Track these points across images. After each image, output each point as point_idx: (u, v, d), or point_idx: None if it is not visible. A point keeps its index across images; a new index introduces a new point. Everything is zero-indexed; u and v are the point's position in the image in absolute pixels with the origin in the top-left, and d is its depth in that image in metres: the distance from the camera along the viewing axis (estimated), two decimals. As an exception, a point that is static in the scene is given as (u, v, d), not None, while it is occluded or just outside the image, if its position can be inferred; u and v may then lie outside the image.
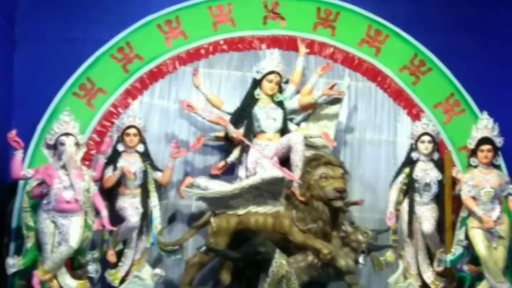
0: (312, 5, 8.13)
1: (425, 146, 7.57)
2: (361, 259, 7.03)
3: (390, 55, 8.12)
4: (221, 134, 7.61)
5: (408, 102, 8.06)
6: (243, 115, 7.52)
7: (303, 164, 7.17)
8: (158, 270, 7.38)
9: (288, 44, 8.04)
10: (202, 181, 7.37)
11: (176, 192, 7.60)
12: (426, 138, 7.57)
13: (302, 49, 7.87)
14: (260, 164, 7.28)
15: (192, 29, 8.00)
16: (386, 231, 7.45)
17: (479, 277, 7.25)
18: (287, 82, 7.74)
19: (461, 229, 7.34)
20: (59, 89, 7.69)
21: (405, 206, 7.56)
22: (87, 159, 7.50)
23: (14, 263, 6.99)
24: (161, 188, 7.55)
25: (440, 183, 7.52)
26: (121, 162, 7.34)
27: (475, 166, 7.38)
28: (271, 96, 7.60)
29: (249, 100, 7.57)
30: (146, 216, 7.33)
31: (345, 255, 7.05)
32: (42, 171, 7.03)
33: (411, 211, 7.49)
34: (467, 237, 7.28)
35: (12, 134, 6.96)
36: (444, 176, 7.51)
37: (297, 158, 7.18)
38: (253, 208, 7.10)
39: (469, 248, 7.30)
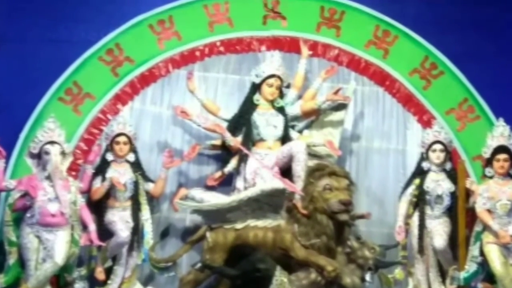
0: (315, 4, 8.18)
1: (437, 155, 7.61)
2: (368, 277, 7.05)
3: (399, 57, 8.18)
4: (218, 142, 7.66)
5: (419, 108, 8.12)
6: (241, 122, 7.57)
7: (305, 175, 7.19)
8: (150, 289, 7.48)
9: (289, 46, 8.09)
10: (197, 192, 7.44)
11: (169, 204, 7.65)
12: (437, 146, 7.61)
13: (305, 51, 7.93)
14: (259, 174, 7.34)
15: (187, 29, 8.05)
16: (395, 247, 7.49)
17: (495, 295, 7.32)
18: (288, 86, 7.78)
19: (475, 244, 7.39)
20: (43, 94, 7.75)
21: (415, 219, 7.59)
22: (74, 169, 7.56)
23: (-5, 281, 7.05)
24: (153, 200, 7.58)
25: (453, 195, 7.56)
26: (110, 173, 7.37)
27: (491, 177, 7.44)
28: (271, 102, 7.65)
29: (248, 106, 7.62)
30: (137, 231, 7.36)
31: (350, 272, 7.07)
32: (26, 182, 7.08)
33: (422, 225, 7.52)
34: (481, 253, 7.34)
35: (-7, 142, 7.07)
36: (457, 188, 7.54)
37: (299, 168, 7.22)
38: (252, 222, 7.11)
39: (484, 264, 7.35)
